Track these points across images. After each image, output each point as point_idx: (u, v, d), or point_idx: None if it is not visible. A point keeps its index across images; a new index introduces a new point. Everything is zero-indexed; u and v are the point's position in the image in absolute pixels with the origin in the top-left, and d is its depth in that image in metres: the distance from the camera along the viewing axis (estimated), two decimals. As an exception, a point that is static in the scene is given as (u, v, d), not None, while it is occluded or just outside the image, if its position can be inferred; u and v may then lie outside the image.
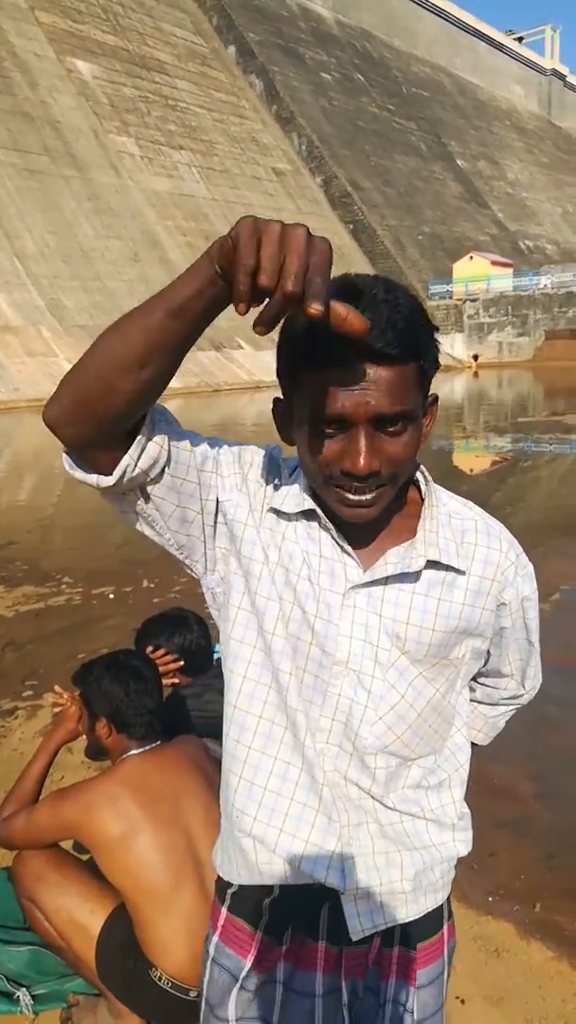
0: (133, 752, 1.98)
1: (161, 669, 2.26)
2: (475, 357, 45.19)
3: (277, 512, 1.08)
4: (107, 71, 41.48)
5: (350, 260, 47.57)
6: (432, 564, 1.05)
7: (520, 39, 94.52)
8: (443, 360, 1.08)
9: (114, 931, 1.89)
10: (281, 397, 1.05)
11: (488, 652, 1.17)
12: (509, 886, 2.52)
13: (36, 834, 1.95)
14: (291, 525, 1.08)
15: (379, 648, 1.05)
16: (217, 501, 1.08)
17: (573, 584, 5.77)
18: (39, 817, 1.94)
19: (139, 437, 0.96)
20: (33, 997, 2.08)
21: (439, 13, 77.94)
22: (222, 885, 1.20)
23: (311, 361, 0.94)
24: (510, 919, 2.37)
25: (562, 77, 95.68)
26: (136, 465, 0.97)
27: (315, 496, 1.06)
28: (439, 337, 1.00)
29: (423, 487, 1.12)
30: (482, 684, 1.27)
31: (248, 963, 1.14)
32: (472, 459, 13.02)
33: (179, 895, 1.82)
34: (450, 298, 47.10)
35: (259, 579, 1.08)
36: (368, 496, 0.98)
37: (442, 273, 49.73)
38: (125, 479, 0.98)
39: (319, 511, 1.06)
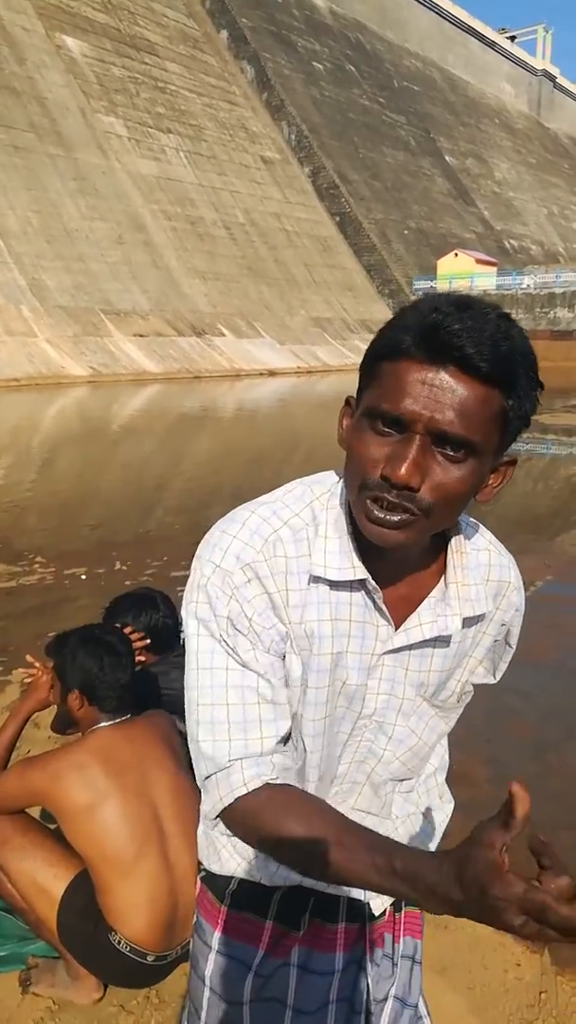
0: (103, 724, 2.01)
1: None
2: (456, 354, 45.24)
3: (314, 580, 0.96)
4: (96, 49, 40.95)
5: (335, 252, 47.58)
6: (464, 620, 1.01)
7: (512, 38, 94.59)
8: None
9: (76, 896, 1.95)
10: (354, 396, 0.96)
11: None
12: (460, 865, 2.61)
13: (3, 801, 2.00)
14: (317, 591, 0.97)
15: (404, 700, 1.04)
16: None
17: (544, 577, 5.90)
18: (7, 784, 1.98)
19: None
20: (-6, 959, 2.14)
21: (433, 8, 77.82)
22: (217, 884, 1.14)
23: (396, 351, 0.85)
24: (459, 895, 2.46)
25: (552, 78, 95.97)
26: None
27: (357, 549, 0.96)
28: None
29: None
30: None
31: (261, 951, 1.13)
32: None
33: (142, 863, 1.88)
34: (433, 294, 47.19)
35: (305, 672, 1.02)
36: (395, 518, 0.86)
37: (426, 269, 49.92)
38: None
39: (369, 577, 0.95)
